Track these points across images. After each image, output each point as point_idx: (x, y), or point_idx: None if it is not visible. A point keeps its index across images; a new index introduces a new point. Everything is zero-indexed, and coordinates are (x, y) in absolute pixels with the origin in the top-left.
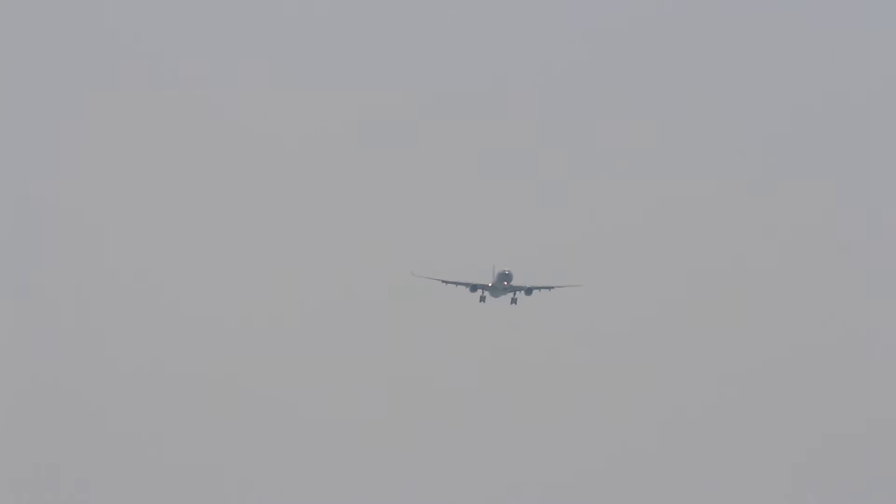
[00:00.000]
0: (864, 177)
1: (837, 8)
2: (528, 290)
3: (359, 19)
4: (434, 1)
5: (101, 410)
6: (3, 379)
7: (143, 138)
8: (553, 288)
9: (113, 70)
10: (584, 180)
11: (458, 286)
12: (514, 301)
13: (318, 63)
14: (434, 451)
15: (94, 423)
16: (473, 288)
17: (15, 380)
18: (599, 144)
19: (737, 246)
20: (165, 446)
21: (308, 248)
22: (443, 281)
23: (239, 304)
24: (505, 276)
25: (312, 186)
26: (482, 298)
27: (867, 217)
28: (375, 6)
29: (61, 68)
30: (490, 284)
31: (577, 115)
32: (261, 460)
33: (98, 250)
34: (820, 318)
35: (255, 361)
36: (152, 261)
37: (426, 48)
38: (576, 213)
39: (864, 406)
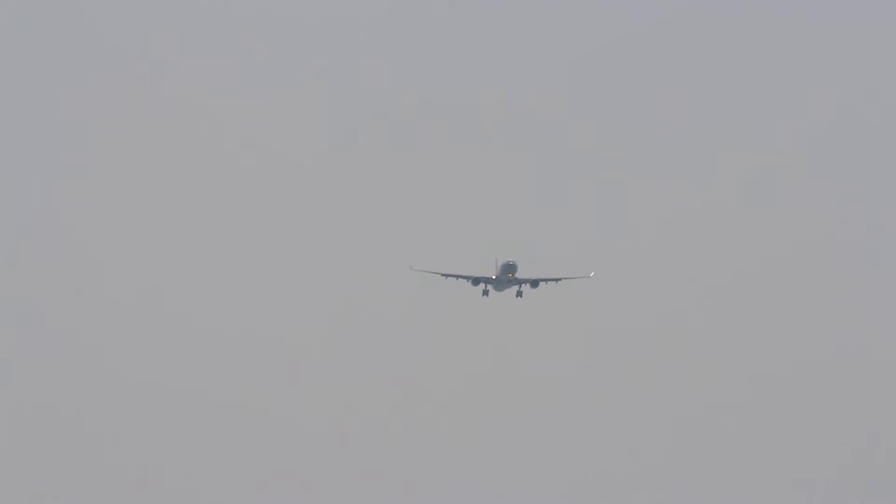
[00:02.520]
0: (866, 185)
1: (839, 18)
2: (534, 283)
3: (360, 22)
4: (434, 7)
5: (107, 422)
6: (6, 393)
7: (140, 147)
8: (561, 280)
9: (112, 84)
10: (587, 172)
11: (460, 280)
12: (519, 294)
13: (313, 63)
14: (436, 451)
15: (99, 436)
16: (476, 281)
17: (17, 394)
18: (601, 139)
19: (744, 244)
20: (169, 452)
21: (303, 246)
22: (443, 274)
23: (233, 301)
24: (509, 268)
25: (307, 182)
26: (485, 292)
27: (869, 224)
28: (378, 10)
29: (58, 80)
30: (493, 277)
31: (577, 110)
32: (257, 465)
33: (97, 260)
34: (822, 319)
35: (254, 361)
36: (148, 266)
37: (425, 49)
38: (578, 205)
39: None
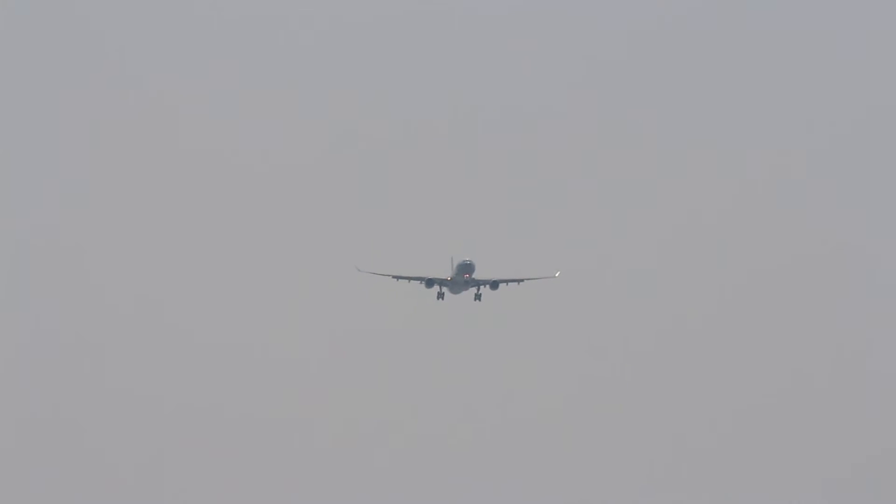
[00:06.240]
0: (867, 186)
1: (840, 19)
2: (494, 284)
3: (360, 23)
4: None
5: (105, 430)
6: (10, 412)
7: (137, 149)
8: (523, 281)
9: (110, 86)
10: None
11: (412, 282)
12: (477, 297)
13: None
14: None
15: (97, 444)
16: (430, 283)
17: (19, 414)
18: (569, 137)
19: (736, 244)
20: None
21: (254, 248)
22: (394, 277)
23: (196, 301)
24: (466, 268)
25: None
26: (440, 295)
27: (870, 226)
28: (379, 10)
29: (56, 81)
30: (449, 278)
31: (546, 109)
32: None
33: (92, 261)
34: (819, 321)
35: (217, 365)
36: (140, 267)
37: (395, 62)
38: (542, 203)
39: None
